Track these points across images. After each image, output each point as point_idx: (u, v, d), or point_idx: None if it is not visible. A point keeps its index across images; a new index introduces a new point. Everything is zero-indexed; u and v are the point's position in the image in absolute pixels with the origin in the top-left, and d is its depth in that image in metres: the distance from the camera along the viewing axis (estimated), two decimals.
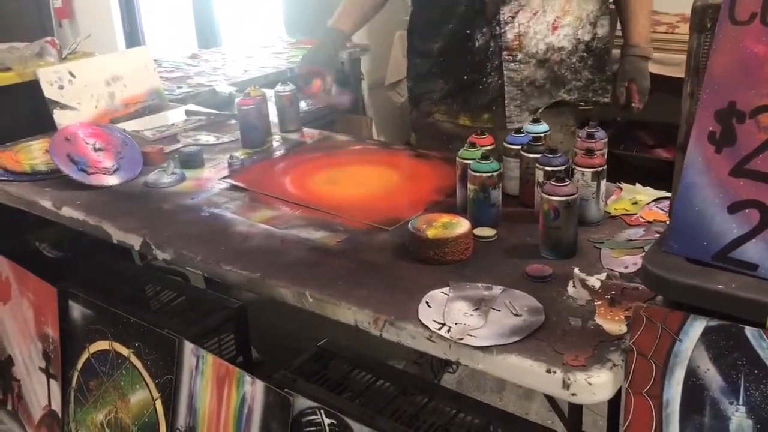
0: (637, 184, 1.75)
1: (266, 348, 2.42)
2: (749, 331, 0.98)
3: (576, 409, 1.38)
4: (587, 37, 2.02)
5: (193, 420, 1.72)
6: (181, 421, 1.74)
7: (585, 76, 2.06)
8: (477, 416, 1.55)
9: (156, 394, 1.80)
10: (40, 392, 2.15)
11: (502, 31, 1.94)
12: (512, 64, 1.97)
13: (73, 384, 2.01)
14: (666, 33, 3.29)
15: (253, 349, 2.08)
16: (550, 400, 1.60)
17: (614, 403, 1.44)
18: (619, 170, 1.90)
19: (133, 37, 5.07)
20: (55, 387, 2.07)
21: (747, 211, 1.02)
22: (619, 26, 2.17)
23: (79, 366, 1.98)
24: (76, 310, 1.98)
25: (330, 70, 2.19)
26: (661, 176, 1.59)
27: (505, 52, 1.96)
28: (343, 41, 2.23)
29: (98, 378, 1.93)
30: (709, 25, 1.09)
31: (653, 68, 3.22)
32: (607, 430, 1.54)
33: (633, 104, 2.14)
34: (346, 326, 1.36)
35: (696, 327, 1.02)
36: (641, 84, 2.13)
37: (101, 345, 1.91)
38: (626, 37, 2.13)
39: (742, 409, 1.01)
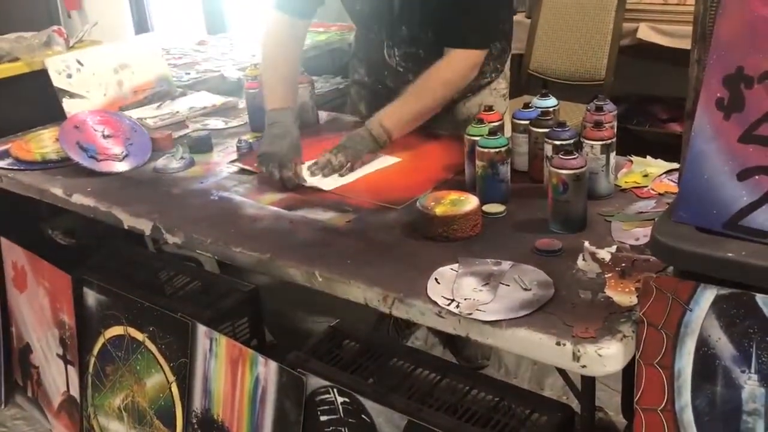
0: (648, 157, 1.72)
1: (280, 330, 2.43)
2: (760, 299, 0.97)
3: (589, 383, 1.37)
4: None
5: (209, 402, 1.73)
6: (197, 403, 1.76)
7: None
8: (491, 392, 1.55)
9: (171, 378, 1.81)
10: (58, 378, 2.17)
11: None
12: None
13: (90, 369, 2.03)
14: (677, 4, 3.24)
15: (267, 332, 2.09)
16: (564, 374, 1.59)
17: (629, 377, 1.43)
18: (633, 145, 1.87)
19: (142, 26, 5.09)
20: (73, 373, 2.09)
21: (757, 177, 1.00)
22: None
23: (96, 352, 2.00)
24: (91, 297, 1.99)
25: (297, 153, 1.84)
26: (676, 150, 1.56)
27: None
28: (296, 116, 1.93)
29: (114, 363, 1.95)
30: None
31: (666, 41, 3.20)
32: (622, 403, 1.53)
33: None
34: (359, 306, 1.36)
35: (706, 296, 1.01)
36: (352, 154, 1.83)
37: (116, 330, 1.93)
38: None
39: (755, 377, 1.00)
